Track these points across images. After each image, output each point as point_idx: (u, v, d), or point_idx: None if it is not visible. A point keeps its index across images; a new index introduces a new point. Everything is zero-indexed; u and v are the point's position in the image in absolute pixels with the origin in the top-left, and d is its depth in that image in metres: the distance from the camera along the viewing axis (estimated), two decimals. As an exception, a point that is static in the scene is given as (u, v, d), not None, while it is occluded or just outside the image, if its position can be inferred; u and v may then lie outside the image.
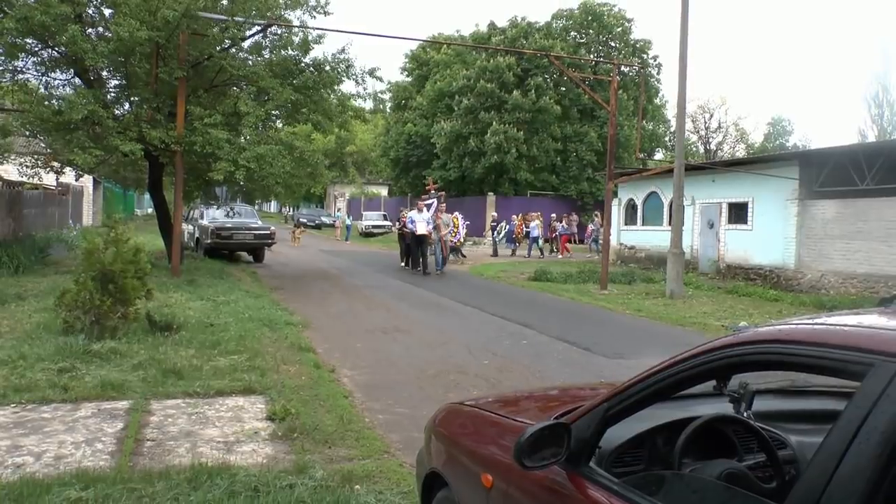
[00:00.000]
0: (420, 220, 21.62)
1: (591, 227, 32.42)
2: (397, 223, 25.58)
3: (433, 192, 25.13)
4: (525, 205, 37.77)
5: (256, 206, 57.27)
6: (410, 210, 24.05)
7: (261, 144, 16.30)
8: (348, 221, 42.40)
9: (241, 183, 17.40)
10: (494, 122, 39.07)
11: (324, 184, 27.20)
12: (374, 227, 46.18)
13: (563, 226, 31.26)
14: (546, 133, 40.49)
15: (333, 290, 17.07)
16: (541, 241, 30.32)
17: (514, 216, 32.14)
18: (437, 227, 22.23)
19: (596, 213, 33.24)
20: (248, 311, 11.88)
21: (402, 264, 25.26)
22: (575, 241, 32.38)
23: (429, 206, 22.85)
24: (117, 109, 17.47)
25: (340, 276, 20.35)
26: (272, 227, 24.16)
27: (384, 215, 49.08)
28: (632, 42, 44.14)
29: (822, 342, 1.90)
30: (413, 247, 22.32)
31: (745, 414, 2.77)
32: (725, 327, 12.83)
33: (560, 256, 29.87)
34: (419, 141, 45.88)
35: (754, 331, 2.20)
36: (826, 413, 2.96)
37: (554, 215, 32.94)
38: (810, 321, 2.09)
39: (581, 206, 39.81)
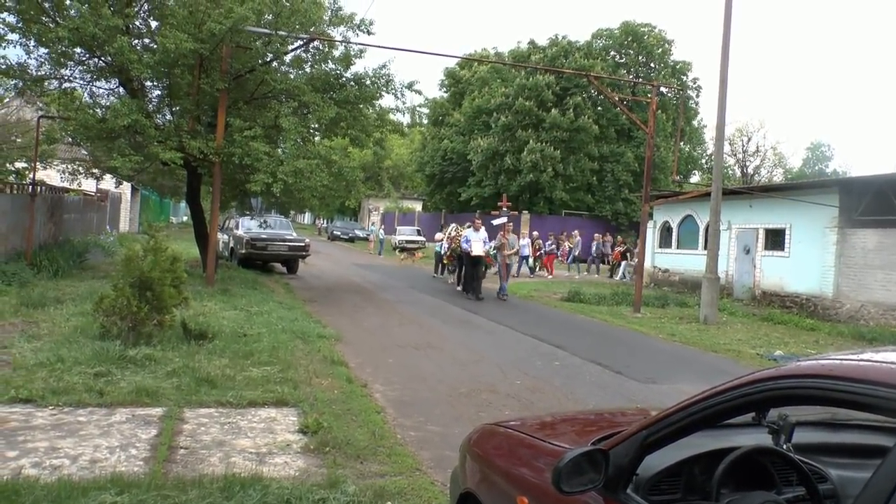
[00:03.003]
0: (477, 240, 20.10)
1: (566, 245, 32.46)
2: (444, 240, 24.89)
3: (505, 209, 24.70)
4: (559, 224, 37.71)
5: (290, 218, 57.79)
6: (465, 228, 22.72)
7: (299, 158, 16.45)
8: (382, 236, 42.64)
9: (278, 195, 17.61)
10: (531, 141, 39.16)
11: (359, 197, 27.44)
12: (407, 241, 46.32)
13: (549, 244, 30.98)
14: (583, 152, 40.47)
15: (366, 304, 17.12)
16: (530, 260, 30.14)
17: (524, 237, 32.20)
18: (500, 248, 20.75)
19: (573, 231, 33.35)
20: (281, 323, 11.97)
21: (435, 276, 25.64)
22: (605, 262, 32.16)
23: (497, 225, 22.47)
24: (159, 119, 17.80)
25: (373, 291, 20.41)
26: (307, 240, 24.33)
27: (418, 230, 49.24)
28: (671, 63, 44.00)
29: (869, 379, 1.88)
30: (467, 269, 20.65)
31: (784, 446, 2.75)
32: (760, 355, 12.67)
33: (549, 276, 29.56)
34: (455, 157, 46.07)
35: (796, 364, 2.20)
36: (868, 448, 2.93)
37: (536, 233, 32.46)
38: (855, 356, 2.08)
39: (616, 227, 39.65)
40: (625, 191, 40.26)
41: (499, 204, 25.18)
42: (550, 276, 29.04)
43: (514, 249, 21.48)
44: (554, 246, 31.33)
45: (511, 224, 23.17)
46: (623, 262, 30.08)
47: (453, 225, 25.36)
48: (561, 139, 39.56)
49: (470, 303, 18.66)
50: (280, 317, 12.72)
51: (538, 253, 30.49)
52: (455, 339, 12.70)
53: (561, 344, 12.73)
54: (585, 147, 40.35)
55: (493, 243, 20.82)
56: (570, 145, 40.28)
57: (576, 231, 33.60)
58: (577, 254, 31.92)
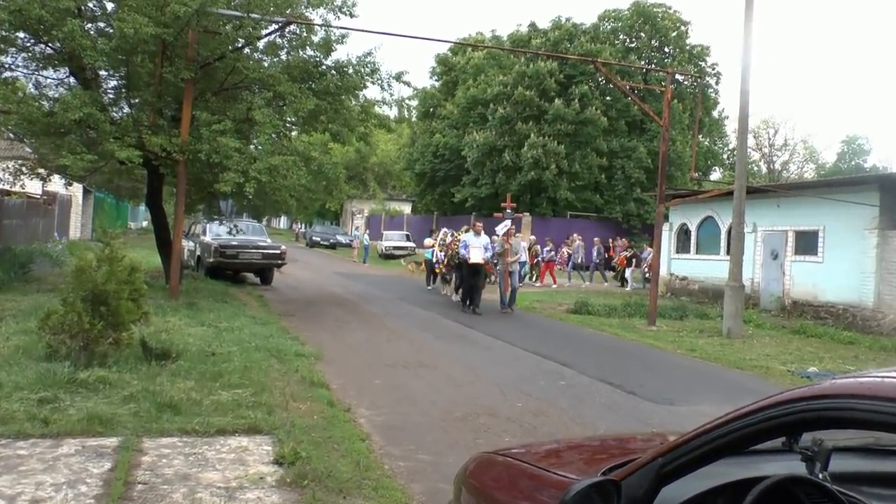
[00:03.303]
0: (476, 246, 19.83)
1: (565, 250, 32.66)
2: (435, 246, 24.90)
3: (509, 210, 24.55)
4: (564, 227, 37.75)
5: (264, 222, 57.65)
6: (464, 232, 22.58)
7: (274, 155, 16.40)
8: (366, 241, 42.68)
9: (250, 196, 17.56)
10: (532, 134, 39.24)
11: (341, 199, 27.51)
12: (395, 248, 46.36)
13: (546, 250, 30.99)
14: (590, 147, 40.63)
15: (349, 318, 17.14)
16: (526, 267, 30.29)
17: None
18: (502, 255, 20.54)
19: (574, 235, 33.61)
20: (254, 340, 11.93)
21: (429, 287, 25.73)
22: (614, 270, 32.32)
23: (497, 229, 22.24)
24: (115, 112, 17.74)
25: (357, 303, 20.41)
26: (282, 246, 24.35)
27: (407, 235, 49.27)
28: (688, 48, 44.17)
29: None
30: (465, 278, 20.39)
31: (820, 475, 2.72)
32: (791, 372, 12.68)
33: (539, 284, 29.59)
34: (448, 153, 46.23)
35: (832, 382, 2.17)
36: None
37: (533, 237, 32.43)
38: (900, 373, 2.06)
39: (627, 230, 39.80)
40: (637, 190, 40.37)
41: (502, 205, 24.93)
42: (555, 286, 29.12)
43: (517, 255, 21.35)
44: (552, 252, 31.33)
45: (514, 227, 23.16)
46: (628, 269, 30.16)
47: (444, 230, 25.42)
48: (565, 133, 39.67)
49: (466, 316, 18.72)
50: (253, 333, 12.68)
51: (535, 260, 30.60)
52: (449, 357, 12.71)
53: (567, 361, 12.74)
54: (593, 141, 40.48)
55: (495, 248, 20.73)
56: (576, 139, 40.40)
57: (576, 234, 33.70)
58: (579, 260, 32.05)
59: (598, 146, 40.61)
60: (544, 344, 14.72)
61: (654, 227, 21.16)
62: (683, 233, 26.85)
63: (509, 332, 16.09)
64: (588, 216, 41.78)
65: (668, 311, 20.90)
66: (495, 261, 20.91)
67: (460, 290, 21.37)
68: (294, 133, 20.86)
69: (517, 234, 22.88)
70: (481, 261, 19.87)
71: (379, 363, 11.69)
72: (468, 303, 19.89)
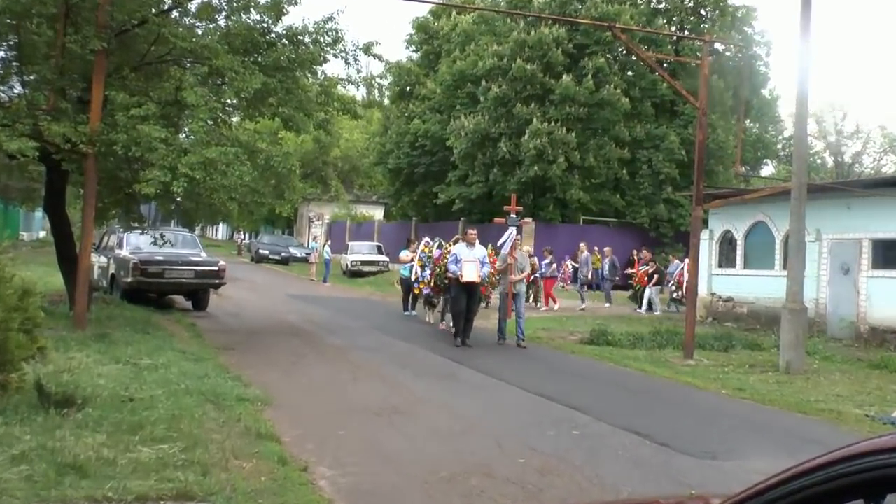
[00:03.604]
0: (470, 260, 19.37)
1: (568, 264, 32.73)
2: (415, 260, 24.55)
3: (514, 215, 23.32)
4: (576, 236, 37.78)
5: (198, 232, 57.55)
6: (452, 243, 22.26)
7: (211, 146, 16.33)
8: (327, 255, 42.61)
9: (180, 199, 17.49)
10: (535, 119, 39.26)
11: (294, 201, 27.33)
12: (364, 263, 46.33)
13: (546, 264, 30.86)
14: (608, 135, 40.74)
15: (307, 352, 17.16)
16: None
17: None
18: (504, 271, 20.54)
19: (580, 245, 33.98)
20: (184, 381, 11.85)
21: (406, 312, 25.81)
22: (635, 289, 32.39)
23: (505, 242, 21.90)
24: (2, 93, 17.64)
25: (317, 333, 20.43)
26: (221, 262, 24.38)
27: (379, 247, 49.24)
28: (730, 10, 44.31)
29: None
30: (455, 300, 19.88)
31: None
32: (870, 418, 12.67)
33: (544, 308, 29.71)
34: (429, 144, 46.36)
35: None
36: None
37: (527, 248, 32.01)
38: None
39: (655, 239, 40.09)
40: (667, 189, 40.42)
41: (505, 209, 24.03)
42: (556, 307, 29.23)
43: (524, 273, 21.15)
44: (553, 266, 31.24)
45: (520, 237, 23.04)
46: (649, 289, 30.14)
47: (426, 240, 25.29)
48: (577, 117, 39.71)
49: (454, 349, 18.74)
50: (183, 372, 12.61)
51: (531, 277, 30.63)
52: (433, 401, 12.71)
53: (582, 405, 12.71)
54: (611, 128, 40.55)
55: (498, 265, 20.72)
56: (590, 125, 40.50)
57: (582, 244, 33.77)
58: (587, 276, 32.11)
59: (617, 134, 40.67)
60: (553, 383, 14.71)
61: (689, 235, 21.21)
62: (727, 242, 26.91)
63: (509, 369, 16.07)
64: (606, 222, 41.82)
65: (709, 340, 20.95)
66: (498, 277, 20.88)
67: (448, 317, 21.28)
68: (236, 119, 20.83)
69: (521, 246, 22.67)
70: (476, 279, 19.54)
71: (344, 409, 11.64)
72: (458, 333, 19.67)
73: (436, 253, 23.23)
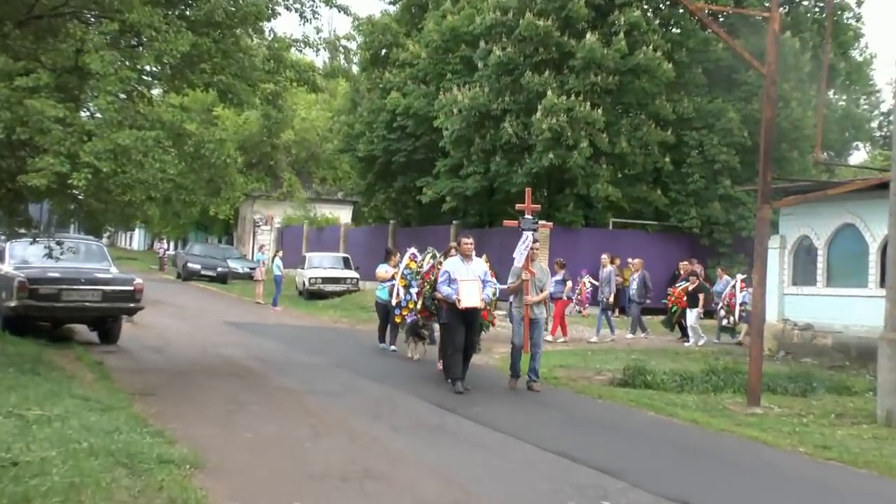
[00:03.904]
0: (468, 279, 19.13)
1: (585, 282, 32.26)
2: (397, 278, 23.79)
3: (530, 216, 22.57)
4: (605, 243, 37.65)
5: (107, 240, 57.25)
6: (440, 257, 21.96)
7: (123, 128, 16.16)
8: (278, 270, 42.44)
9: (81, 196, 17.22)
10: (550, 92, 39.14)
11: (234, 200, 26.83)
12: (326, 280, 46.24)
13: (557, 281, 29.33)
14: (645, 113, 40.87)
15: (251, 397, 17.05)
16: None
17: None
18: (515, 290, 20.10)
19: (602, 257, 33.11)
20: (87, 437, 11.66)
21: (383, 345, 25.61)
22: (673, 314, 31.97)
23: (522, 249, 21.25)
24: None
25: (264, 373, 20.43)
26: (137, 280, 24.13)
27: (345, 259, 49.20)
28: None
29: None
30: (450, 330, 19.55)
31: None
32: None
33: (563, 339, 29.51)
34: (412, 124, 46.42)
35: None
36: None
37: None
38: None
39: (709, 248, 40.20)
40: (724, 181, 40.33)
41: (517, 207, 23.37)
42: (563, 340, 28.92)
43: (544, 293, 20.66)
44: (565, 284, 30.40)
45: (538, 244, 22.31)
46: (693, 313, 29.68)
47: (412, 251, 24.64)
48: (604, 88, 39.66)
49: (445, 394, 18.59)
50: (85, 426, 12.43)
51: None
52: (417, 462, 12.60)
53: (614, 467, 12.60)
54: (650, 103, 40.60)
55: (508, 281, 20.27)
56: (622, 99, 40.64)
57: (604, 256, 33.03)
58: (608, 297, 31.12)
59: (658, 110, 40.69)
60: (575, 438, 14.67)
61: (752, 242, 20.97)
62: (804, 252, 26.79)
63: (517, 419, 16.05)
64: (643, 225, 41.74)
65: (781, 381, 20.88)
66: (509, 300, 20.79)
67: (441, 351, 20.92)
68: (157, 93, 20.72)
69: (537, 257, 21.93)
70: (478, 304, 19.24)
71: (300, 473, 11.53)
72: (452, 371, 19.19)
73: (426, 266, 22.31)
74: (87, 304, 22.97)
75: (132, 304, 23.51)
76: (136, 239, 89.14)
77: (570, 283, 30.90)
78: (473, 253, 19.72)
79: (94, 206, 20.41)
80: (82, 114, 17.17)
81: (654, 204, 41.95)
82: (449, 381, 19.22)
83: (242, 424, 14.43)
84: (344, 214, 65.69)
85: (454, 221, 44.40)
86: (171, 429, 13.28)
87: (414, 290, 22.81)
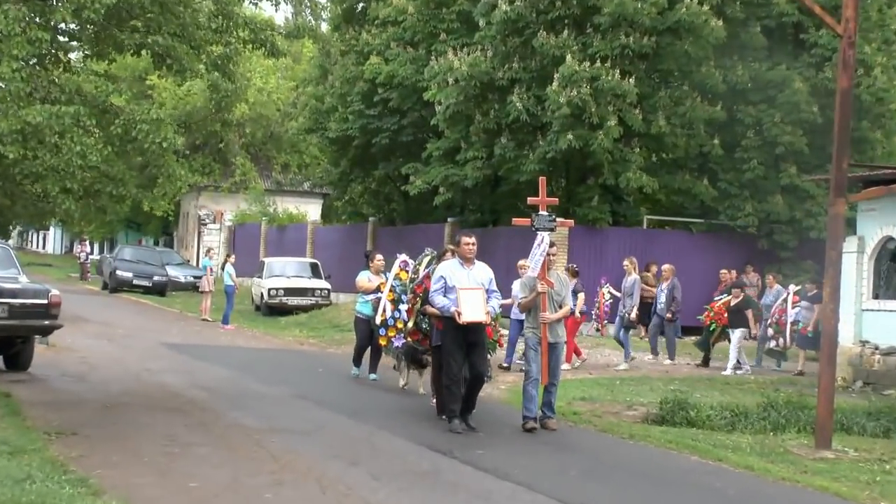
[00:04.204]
0: (470, 288, 18.85)
1: (605, 292, 32.12)
2: (384, 291, 23.32)
3: (545, 212, 22.10)
4: (637, 245, 37.70)
5: (13, 241, 57.13)
6: (432, 260, 21.72)
7: (32, 102, 16.25)
8: (229, 280, 42.17)
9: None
10: (570, 56, 39.11)
11: (174, 192, 26.65)
12: (289, 292, 46.07)
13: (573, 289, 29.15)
14: (688, 83, 40.85)
15: (196, 438, 17.05)
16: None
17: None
18: (533, 304, 19.64)
19: (625, 263, 32.78)
20: (-12, 489, 11.74)
21: (357, 371, 25.51)
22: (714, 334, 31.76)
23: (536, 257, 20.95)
24: None
25: (212, 406, 20.44)
26: (52, 291, 23.94)
27: (314, 265, 49.05)
28: None
29: None
30: (447, 354, 19.15)
31: None
32: None
33: (566, 365, 28.35)
34: (396, 97, 46.38)
35: None
36: None
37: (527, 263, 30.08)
38: None
39: (768, 252, 40.24)
40: (788, 168, 40.23)
41: (531, 202, 22.86)
42: (580, 362, 28.82)
43: (564, 308, 20.27)
44: (580, 296, 30.11)
45: (555, 249, 22.08)
46: (737, 332, 29.29)
47: (401, 259, 24.36)
48: (638, 52, 39.50)
49: (439, 433, 18.57)
50: (-12, 474, 12.48)
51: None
52: (403, 520, 12.50)
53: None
54: (695, 70, 40.62)
55: (516, 292, 20.37)
56: (660, 66, 40.64)
57: (627, 262, 32.53)
58: (629, 311, 30.75)
59: (704, 80, 40.65)
60: (600, 488, 14.66)
61: (822, 245, 21.07)
62: (889, 257, 26.76)
63: (528, 465, 15.98)
64: (686, 223, 41.77)
65: (858, 418, 20.80)
66: (520, 317, 20.60)
67: (434, 382, 20.79)
68: (75, 57, 20.69)
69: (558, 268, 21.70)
70: (482, 318, 18.88)
71: (258, 533, 11.47)
72: (449, 406, 19.07)
73: (422, 271, 21.88)
74: (-13, 322, 22.94)
75: (47, 322, 23.26)
76: (52, 240, 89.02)
77: (582, 296, 29.60)
78: (474, 256, 19.36)
79: (-6, 203, 20.57)
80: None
81: (699, 197, 41.71)
82: (444, 417, 19.19)
83: (186, 471, 14.36)
84: (312, 210, 65.41)
85: (449, 219, 44.62)
86: (97, 476, 13.25)
87: (404, 307, 22.37)
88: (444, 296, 18.66)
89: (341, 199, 55.99)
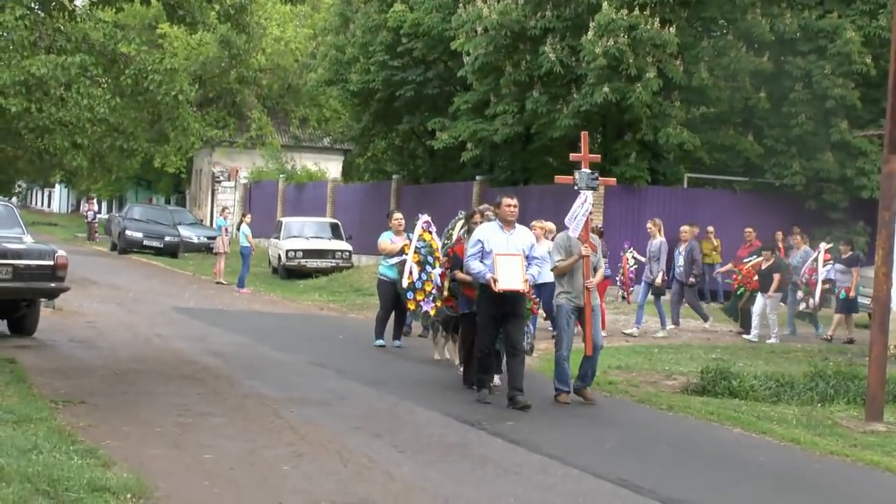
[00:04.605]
0: (508, 253, 18.51)
1: (628, 257, 31.78)
2: (409, 251, 23.01)
3: (587, 170, 21.62)
4: (678, 205, 37.59)
5: (16, 199, 57.23)
6: (461, 225, 21.71)
7: (37, 51, 16.21)
8: (245, 240, 41.93)
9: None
10: (605, 4, 38.94)
11: (187, 148, 26.61)
12: (308, 253, 45.92)
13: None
14: (732, 33, 40.52)
15: (211, 408, 17.04)
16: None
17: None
18: (570, 269, 19.45)
19: (649, 225, 31.95)
20: (-4, 459, 11.78)
21: (381, 342, 25.25)
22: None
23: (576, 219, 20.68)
24: None
25: (228, 374, 20.44)
26: (59, 252, 23.94)
27: (334, 226, 48.92)
28: None
29: None
30: (483, 324, 18.90)
31: None
32: None
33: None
34: (421, 48, 46.39)
35: None
36: None
37: (547, 224, 29.72)
38: None
39: (817, 212, 40.09)
40: (839, 123, 39.95)
41: (573, 157, 22.30)
42: (603, 335, 28.76)
43: (601, 272, 20.69)
44: (604, 261, 29.79)
45: (592, 212, 21.70)
46: (762, 298, 28.90)
47: (424, 219, 24.14)
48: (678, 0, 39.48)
49: (468, 403, 18.60)
50: (-6, 443, 12.51)
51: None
52: (429, 493, 12.57)
53: (689, 500, 12.70)
54: (739, 18, 40.42)
55: (542, 254, 20.05)
56: (701, 15, 40.43)
57: (651, 224, 31.68)
58: (655, 277, 30.21)
59: (751, 28, 40.44)
60: (637, 462, 14.62)
61: (875, 205, 20.95)
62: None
63: (561, 437, 16.05)
64: (732, 182, 41.58)
65: (913, 390, 20.80)
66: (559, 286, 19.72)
67: (461, 352, 20.87)
68: (81, 3, 20.61)
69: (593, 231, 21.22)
70: (521, 286, 18.57)
71: (275, 509, 11.56)
72: (483, 376, 18.92)
73: (455, 233, 21.96)
74: (-11, 285, 22.97)
75: (53, 284, 23.25)
76: (57, 199, 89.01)
77: (604, 260, 29.13)
78: (515, 217, 19.03)
79: (0, 156, 20.54)
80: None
81: (743, 154, 41.61)
82: (473, 387, 19.10)
83: (200, 442, 14.36)
84: (332, 167, 65.22)
85: (478, 177, 44.61)
86: (107, 447, 13.26)
87: (436, 271, 22.27)
88: (480, 261, 18.36)
89: (363, 156, 55.92)
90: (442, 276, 21.80)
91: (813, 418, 18.53)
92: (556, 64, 39.69)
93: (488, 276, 17.98)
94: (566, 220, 19.79)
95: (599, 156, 24.56)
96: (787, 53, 40.67)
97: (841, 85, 39.50)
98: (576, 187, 20.15)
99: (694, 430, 17.38)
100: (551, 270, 19.66)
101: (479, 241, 18.49)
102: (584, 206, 19.47)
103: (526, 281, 18.35)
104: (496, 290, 17.95)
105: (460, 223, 22.07)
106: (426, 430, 16.18)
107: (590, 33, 38.39)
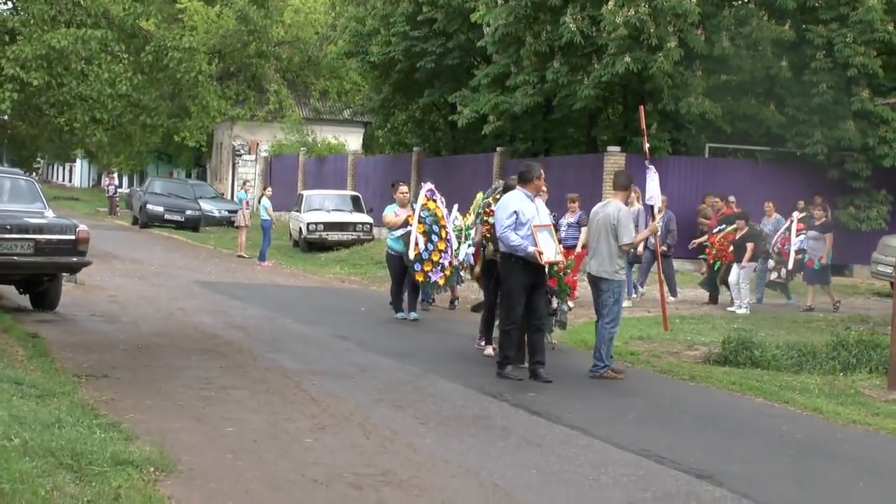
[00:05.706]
0: (542, 224, 18.37)
1: (659, 222, 31.53)
2: (413, 223, 23.00)
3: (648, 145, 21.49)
4: (698, 176, 37.53)
5: (36, 175, 57.19)
6: (492, 192, 20.68)
7: (58, 26, 16.21)
8: (266, 214, 41.85)
9: (7, 117, 17.33)
10: (626, -28, 38.94)
11: (207, 123, 26.49)
12: (329, 226, 45.86)
13: (570, 224, 28.65)
14: (753, 0, 40.24)
15: (233, 381, 17.09)
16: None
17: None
18: (642, 236, 20.61)
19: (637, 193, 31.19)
20: (18, 431, 11.75)
21: (402, 315, 25.31)
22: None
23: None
24: None
25: (249, 348, 20.45)
26: (80, 227, 23.91)
27: (355, 199, 48.87)
28: None
29: None
30: (512, 296, 18.48)
31: None
32: None
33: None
34: (441, 19, 46.24)
35: None
36: None
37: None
38: None
39: (839, 181, 39.98)
40: (861, 92, 39.78)
41: (643, 127, 21.48)
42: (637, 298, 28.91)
43: (635, 238, 19.72)
44: (583, 229, 29.86)
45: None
46: (737, 268, 28.52)
47: (427, 187, 24.12)
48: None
49: (490, 375, 18.54)
50: (17, 416, 12.52)
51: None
52: (452, 464, 12.59)
53: (711, 470, 12.66)
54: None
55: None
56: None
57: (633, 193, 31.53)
58: (662, 246, 29.76)
59: (771, -4, 40.32)
60: (659, 432, 14.65)
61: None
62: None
63: (583, 409, 16.08)
64: (753, 152, 41.45)
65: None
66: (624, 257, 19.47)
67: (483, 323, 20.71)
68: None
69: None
70: (559, 258, 18.72)
71: (299, 479, 11.55)
72: (504, 355, 18.50)
73: (479, 209, 21.18)
74: (15, 258, 22.58)
75: (75, 259, 23.25)
76: (78, 173, 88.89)
77: (585, 230, 28.63)
78: (543, 187, 19.14)
79: (21, 131, 20.52)
80: (1, 6, 17.21)
81: (765, 124, 41.41)
82: (504, 359, 18.55)
83: (223, 415, 14.42)
84: (352, 140, 64.98)
85: (498, 149, 44.42)
86: (129, 421, 13.35)
87: (466, 245, 22.42)
88: (518, 234, 17.86)
89: (383, 128, 55.82)
90: (475, 255, 21.51)
91: (835, 388, 18.52)
92: (577, 34, 39.61)
93: (531, 248, 17.67)
94: (646, 199, 20.33)
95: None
96: (808, 21, 40.52)
97: (863, 53, 39.30)
98: (647, 162, 20.38)
99: (716, 401, 17.41)
100: (624, 246, 18.67)
101: (515, 212, 17.89)
102: (655, 180, 19.71)
103: (561, 252, 18.50)
104: (542, 263, 17.82)
105: (484, 199, 21.16)
106: (448, 402, 16.20)
107: (610, 3, 38.27)
